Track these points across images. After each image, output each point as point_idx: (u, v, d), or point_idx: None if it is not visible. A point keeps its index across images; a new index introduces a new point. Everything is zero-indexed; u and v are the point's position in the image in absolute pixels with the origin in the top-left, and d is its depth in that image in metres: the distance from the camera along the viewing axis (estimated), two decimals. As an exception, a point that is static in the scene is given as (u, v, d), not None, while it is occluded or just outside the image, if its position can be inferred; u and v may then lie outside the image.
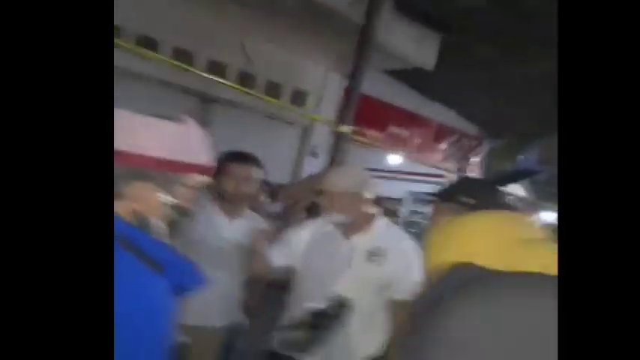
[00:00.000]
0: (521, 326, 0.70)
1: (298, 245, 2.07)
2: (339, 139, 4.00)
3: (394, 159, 7.79)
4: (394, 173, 7.93)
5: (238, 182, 2.18)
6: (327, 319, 0.80)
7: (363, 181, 1.99)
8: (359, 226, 1.99)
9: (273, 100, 5.31)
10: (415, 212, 8.71)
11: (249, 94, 5.15)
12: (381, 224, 2.03)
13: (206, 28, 5.23)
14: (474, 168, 8.88)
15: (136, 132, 0.85)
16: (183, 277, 0.92)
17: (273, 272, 2.15)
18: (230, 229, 2.23)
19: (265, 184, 3.41)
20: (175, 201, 0.91)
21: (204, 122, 5.64)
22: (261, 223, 2.38)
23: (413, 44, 5.09)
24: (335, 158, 3.97)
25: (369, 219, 2.03)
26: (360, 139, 6.30)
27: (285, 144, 6.47)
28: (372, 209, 2.07)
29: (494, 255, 0.87)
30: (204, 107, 5.69)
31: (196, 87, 5.46)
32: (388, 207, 8.78)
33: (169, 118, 0.90)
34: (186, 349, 2.22)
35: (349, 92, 4.09)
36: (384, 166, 7.64)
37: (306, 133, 6.58)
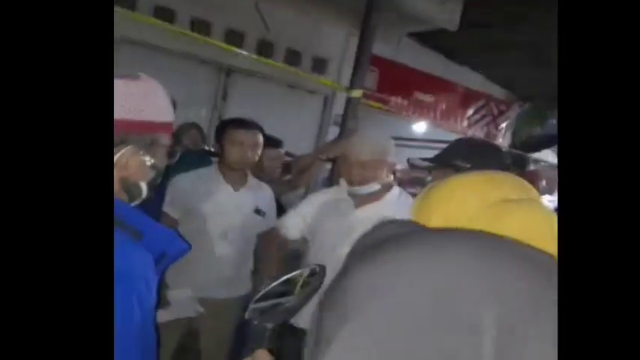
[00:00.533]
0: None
1: (311, 216, 2.05)
2: (350, 104, 3.83)
3: (420, 126, 7.62)
4: (422, 142, 7.78)
5: (243, 149, 2.15)
6: (294, 287, 0.77)
7: (388, 149, 1.97)
8: (373, 195, 1.96)
9: (292, 70, 5.16)
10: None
11: (268, 63, 5.02)
12: (394, 194, 1.99)
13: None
14: (503, 133, 8.63)
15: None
16: (163, 245, 0.90)
17: (290, 245, 2.12)
18: (235, 198, 2.20)
19: (287, 154, 3.40)
20: (154, 161, 0.90)
21: (224, 93, 5.60)
22: (267, 191, 2.35)
23: (435, 4, 4.87)
24: (346, 125, 3.81)
25: (384, 188, 1.98)
26: (378, 105, 6.12)
27: (307, 113, 6.36)
28: (388, 179, 2.01)
29: (475, 218, 0.82)
30: (223, 78, 5.60)
31: (215, 57, 5.36)
32: (418, 176, 8.74)
33: (124, 76, 0.85)
34: (202, 320, 2.24)
35: (359, 54, 3.88)
36: (411, 134, 7.49)
37: (328, 101, 6.44)
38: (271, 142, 2.85)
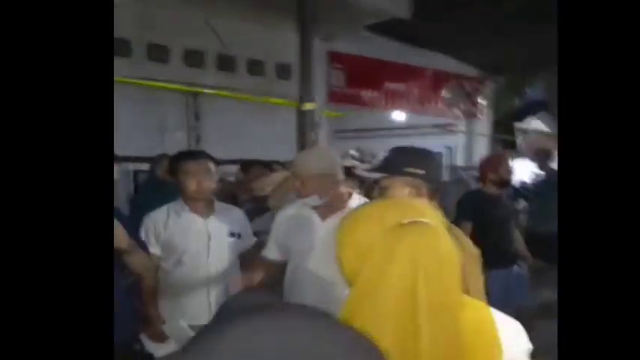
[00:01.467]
0: None
1: (282, 235, 2.13)
2: (304, 118, 3.84)
3: (398, 115, 7.69)
4: (402, 130, 7.84)
5: (198, 179, 2.22)
6: None
7: (332, 163, 2.03)
8: (335, 206, 2.04)
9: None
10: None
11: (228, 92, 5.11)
12: (355, 202, 2.06)
13: (175, 19, 5.24)
14: (482, 109, 8.68)
15: None
16: None
17: (274, 267, 2.21)
18: (204, 226, 2.29)
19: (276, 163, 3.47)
20: None
21: (196, 114, 5.70)
22: (238, 213, 2.45)
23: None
24: (304, 137, 3.83)
25: (344, 198, 2.07)
26: (334, 114, 6.17)
27: (281, 120, 6.44)
28: (346, 188, 2.08)
29: (377, 243, 0.89)
30: (191, 99, 5.72)
31: (178, 80, 5.49)
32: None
33: None
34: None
35: (302, 65, 3.89)
36: (390, 124, 7.56)
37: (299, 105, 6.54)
38: (257, 163, 2.96)
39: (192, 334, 2.16)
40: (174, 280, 2.26)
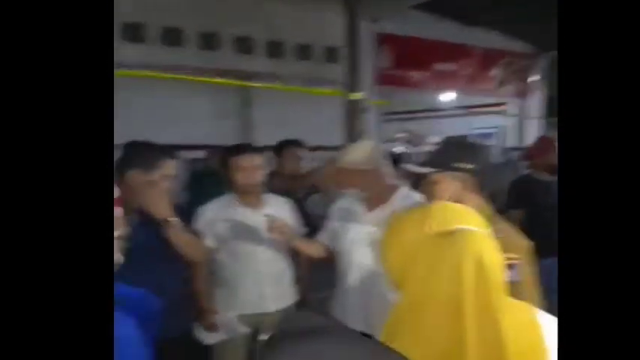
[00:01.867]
0: None
1: (333, 224, 2.25)
2: (351, 108, 3.76)
3: (447, 96, 7.54)
4: (452, 110, 7.70)
5: (247, 173, 2.30)
6: None
7: (376, 157, 2.08)
8: (380, 199, 2.10)
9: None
10: (484, 148, 8.49)
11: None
12: (401, 195, 2.11)
13: (224, 5, 5.28)
14: (536, 87, 8.38)
15: None
16: (141, 304, 1.05)
17: (327, 251, 2.32)
18: (256, 218, 2.34)
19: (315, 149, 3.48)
20: (120, 233, 1.07)
21: (247, 100, 5.76)
22: (285, 204, 2.51)
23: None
24: (352, 128, 3.77)
25: (389, 191, 2.11)
26: (382, 102, 6.08)
27: (330, 105, 6.43)
28: (392, 180, 2.09)
29: (420, 251, 0.91)
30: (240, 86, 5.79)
31: (228, 67, 5.55)
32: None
33: None
34: (247, 337, 2.41)
35: (350, 53, 3.80)
36: (438, 105, 7.43)
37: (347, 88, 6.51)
38: (291, 143, 2.99)
39: (240, 325, 2.32)
40: (227, 271, 2.35)
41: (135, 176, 1.88)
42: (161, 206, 1.84)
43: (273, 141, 5.98)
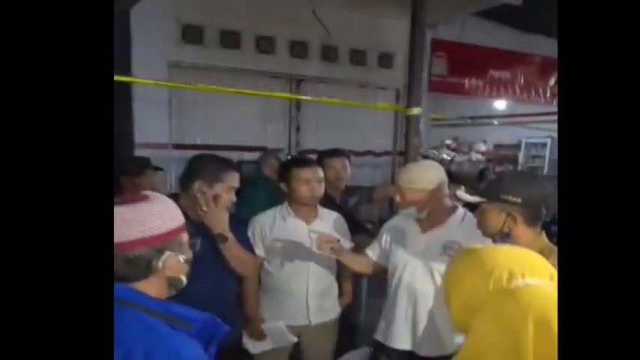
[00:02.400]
0: None
1: (385, 241, 2.23)
2: (410, 123, 3.68)
3: (502, 104, 7.35)
4: (505, 118, 7.50)
5: (311, 185, 2.31)
6: None
7: (435, 178, 2.05)
8: (436, 220, 2.07)
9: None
10: (535, 157, 8.24)
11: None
12: (458, 217, 2.09)
13: (282, 9, 5.30)
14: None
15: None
16: (210, 330, 1.06)
17: (375, 266, 2.31)
18: (308, 232, 2.35)
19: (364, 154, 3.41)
20: (185, 257, 1.09)
21: (297, 103, 5.78)
22: (338, 221, 2.51)
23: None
24: (410, 144, 3.69)
25: (446, 213, 2.09)
26: (438, 116, 5.94)
27: (380, 111, 6.38)
28: (449, 202, 2.10)
29: (484, 303, 0.92)
30: (294, 88, 5.80)
31: (282, 69, 5.58)
32: (506, 154, 8.44)
33: (135, 200, 1.03)
34: (303, 346, 2.45)
35: (411, 69, 3.70)
36: (493, 112, 7.26)
37: (399, 95, 6.43)
38: (335, 153, 2.95)
39: (289, 334, 2.33)
40: (276, 282, 2.36)
41: (198, 189, 1.90)
42: (220, 222, 1.88)
43: (320, 144, 6.04)
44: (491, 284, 0.92)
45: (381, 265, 2.26)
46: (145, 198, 1.06)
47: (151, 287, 1.04)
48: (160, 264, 1.03)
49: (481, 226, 1.66)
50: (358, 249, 2.40)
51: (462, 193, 1.74)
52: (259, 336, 2.32)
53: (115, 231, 0.96)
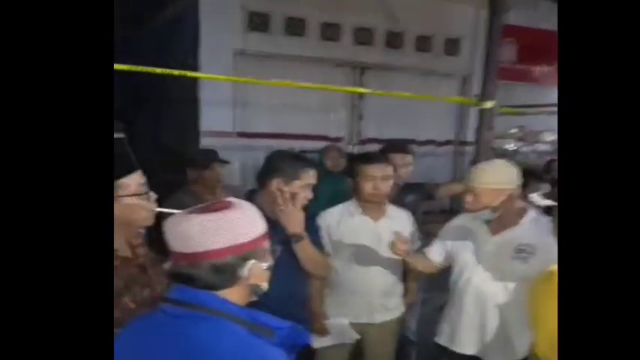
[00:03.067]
0: None
1: (451, 242, 2.17)
2: (483, 117, 3.50)
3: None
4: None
5: (376, 183, 2.26)
6: None
7: (509, 178, 1.96)
8: (508, 221, 1.99)
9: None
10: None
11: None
12: (530, 219, 1.99)
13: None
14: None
15: (199, 234, 0.98)
16: (292, 338, 1.05)
17: (435, 268, 2.27)
18: (375, 229, 2.32)
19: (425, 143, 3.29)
20: (268, 265, 1.08)
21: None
22: (406, 220, 2.45)
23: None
24: (482, 138, 3.51)
25: (517, 214, 2.00)
26: (511, 110, 5.66)
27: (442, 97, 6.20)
28: (521, 203, 2.01)
29: None
30: (358, 77, 5.70)
31: (346, 57, 5.49)
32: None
33: (220, 208, 1.02)
34: (365, 343, 2.42)
35: (487, 61, 3.50)
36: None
37: (466, 82, 6.22)
38: (397, 148, 2.86)
39: (352, 331, 2.31)
40: (342, 279, 2.33)
41: (277, 186, 1.88)
42: (296, 221, 1.86)
43: (382, 134, 5.94)
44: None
45: (443, 266, 2.23)
46: (230, 206, 1.05)
47: (235, 295, 1.04)
48: (246, 272, 1.02)
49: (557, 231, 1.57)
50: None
51: (536, 197, 1.64)
52: (322, 332, 2.30)
53: (202, 239, 0.97)
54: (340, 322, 2.33)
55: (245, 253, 1.02)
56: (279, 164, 1.94)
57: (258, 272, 1.05)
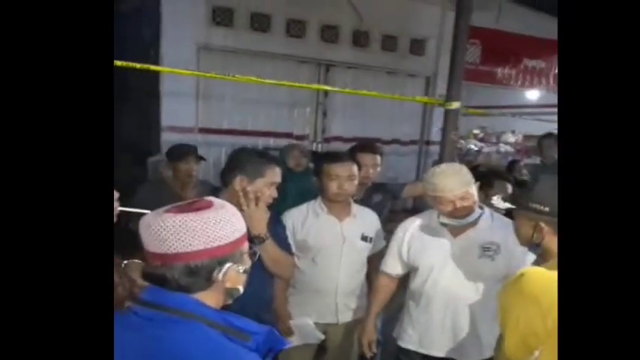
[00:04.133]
0: None
1: (406, 251, 2.13)
2: (448, 117, 3.49)
3: (533, 94, 7.15)
4: (538, 108, 7.31)
5: (340, 182, 2.23)
6: None
7: (471, 181, 1.95)
8: (468, 223, 1.97)
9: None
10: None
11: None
12: (486, 217, 2.01)
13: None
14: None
15: (181, 234, 0.95)
16: (268, 342, 1.02)
17: (397, 282, 2.26)
18: (341, 229, 2.29)
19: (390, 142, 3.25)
20: (245, 267, 1.05)
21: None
22: (372, 216, 2.43)
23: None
24: (446, 138, 3.50)
25: (475, 216, 1.98)
26: (478, 111, 5.75)
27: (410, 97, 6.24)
28: (476, 203, 2.00)
29: (543, 341, 0.93)
30: (323, 74, 5.68)
31: (311, 54, 5.46)
32: (532, 145, 8.24)
33: (199, 209, 0.99)
34: (328, 343, 2.40)
35: (453, 62, 3.49)
36: (524, 102, 7.07)
37: (430, 82, 6.28)
38: (367, 148, 2.83)
39: (316, 331, 2.29)
40: (306, 278, 2.31)
41: (240, 184, 1.84)
42: (259, 222, 1.82)
43: (347, 131, 5.94)
44: (550, 322, 0.91)
45: (400, 276, 2.22)
46: (209, 206, 1.01)
47: (209, 298, 1.00)
48: (221, 275, 0.99)
49: (516, 234, 1.59)
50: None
51: (497, 200, 1.66)
52: (287, 333, 2.27)
53: (178, 240, 0.93)
54: (305, 322, 2.30)
55: (221, 255, 0.98)
56: (242, 162, 1.88)
57: (234, 275, 1.01)
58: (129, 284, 0.99)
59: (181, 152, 3.04)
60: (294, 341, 2.28)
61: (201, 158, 3.13)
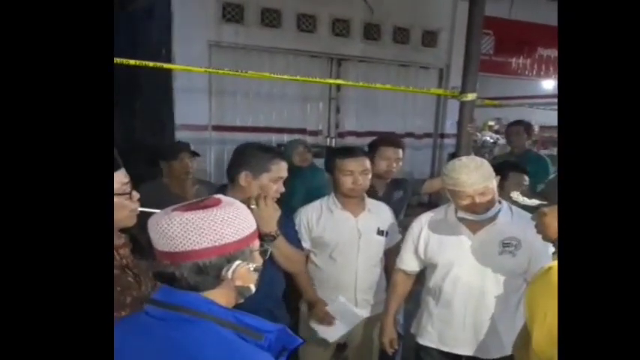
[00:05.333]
0: None
1: (423, 247, 2.08)
2: (464, 109, 3.42)
3: (549, 84, 7.04)
4: (554, 98, 7.21)
5: (355, 177, 2.21)
6: None
7: (492, 174, 1.89)
8: (488, 218, 1.92)
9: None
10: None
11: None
12: (505, 212, 1.95)
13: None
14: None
15: (187, 231, 0.94)
16: (281, 341, 1.01)
17: (413, 277, 2.22)
18: (356, 224, 2.26)
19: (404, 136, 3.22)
20: (256, 265, 1.04)
21: (335, 85, 5.63)
22: (386, 210, 2.39)
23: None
24: (462, 131, 3.44)
25: (495, 209, 1.93)
26: (493, 102, 5.65)
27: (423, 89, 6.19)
28: (495, 198, 1.93)
29: None
30: (335, 68, 5.65)
31: (323, 49, 5.43)
32: (552, 136, 8.10)
33: (207, 206, 0.98)
34: (348, 339, 2.37)
35: (468, 53, 3.42)
36: (539, 93, 6.97)
37: (443, 74, 6.21)
38: (390, 141, 2.78)
39: (354, 308, 2.25)
40: (324, 275, 2.29)
41: (245, 179, 1.83)
42: (269, 221, 1.79)
43: (360, 126, 5.91)
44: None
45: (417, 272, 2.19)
46: (217, 203, 0.99)
47: (220, 296, 0.99)
48: (230, 273, 0.97)
49: (540, 230, 1.50)
50: None
51: (517, 195, 1.59)
52: (326, 317, 2.24)
53: (186, 239, 0.92)
54: (340, 301, 2.27)
55: (230, 253, 0.97)
56: (246, 157, 1.86)
57: (243, 273, 1.00)
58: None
59: (174, 151, 3.02)
60: (341, 329, 2.27)
61: (195, 154, 3.10)
